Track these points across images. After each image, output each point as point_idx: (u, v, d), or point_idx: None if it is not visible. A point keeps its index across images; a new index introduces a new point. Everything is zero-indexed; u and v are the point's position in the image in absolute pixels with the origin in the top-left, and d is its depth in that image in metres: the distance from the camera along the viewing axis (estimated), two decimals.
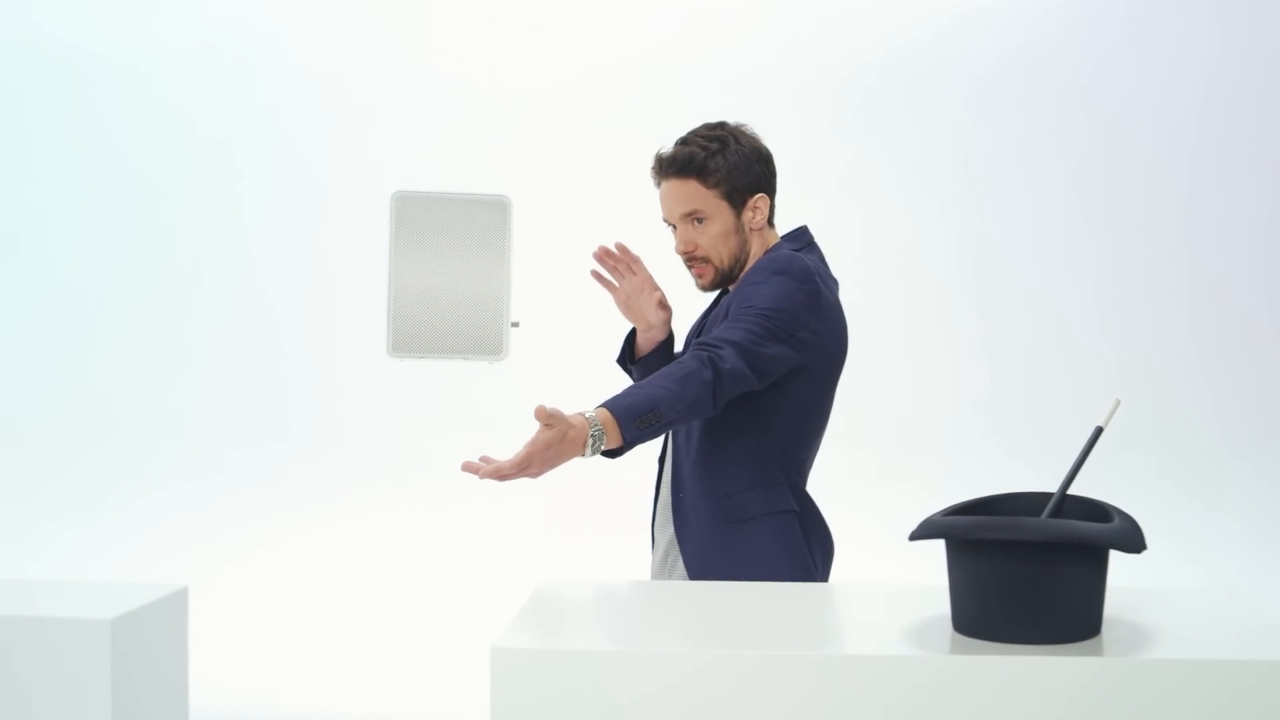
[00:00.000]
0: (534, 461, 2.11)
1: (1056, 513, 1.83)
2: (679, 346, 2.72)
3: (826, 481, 2.71)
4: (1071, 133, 5.76)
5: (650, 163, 2.54)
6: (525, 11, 5.88)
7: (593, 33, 5.85)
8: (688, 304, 2.75)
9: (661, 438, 2.54)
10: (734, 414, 2.39)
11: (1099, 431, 1.81)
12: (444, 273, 2.38)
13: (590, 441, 2.16)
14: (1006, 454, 5.53)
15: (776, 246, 2.54)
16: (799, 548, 2.45)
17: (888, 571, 4.08)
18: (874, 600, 2.02)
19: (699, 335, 2.59)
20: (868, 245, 5.68)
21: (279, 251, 5.89)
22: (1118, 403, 1.84)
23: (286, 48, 5.96)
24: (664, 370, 2.29)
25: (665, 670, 1.69)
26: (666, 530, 2.55)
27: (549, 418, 2.11)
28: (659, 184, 2.53)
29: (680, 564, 2.50)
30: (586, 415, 2.16)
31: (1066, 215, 5.78)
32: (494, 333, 2.40)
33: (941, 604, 1.89)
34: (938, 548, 1.83)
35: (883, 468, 5.58)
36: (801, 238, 2.57)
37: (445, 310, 2.38)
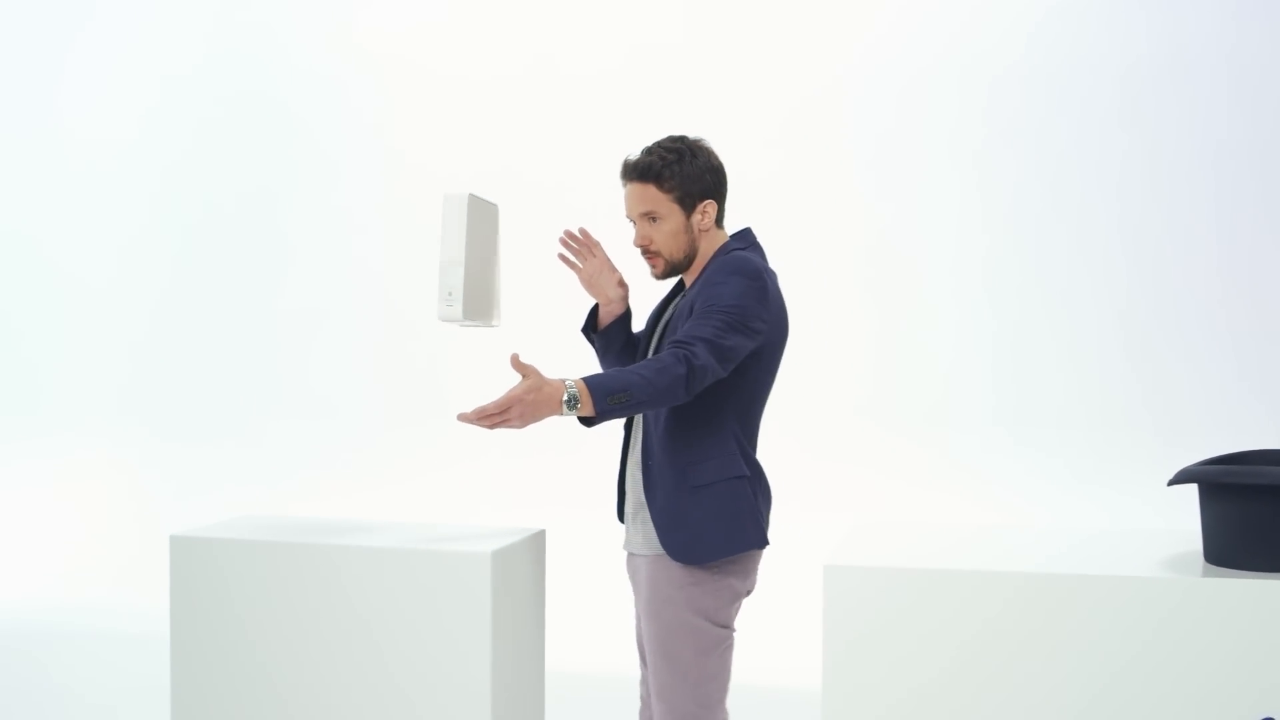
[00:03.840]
0: (514, 407, 2.50)
1: None
2: (639, 326, 3.10)
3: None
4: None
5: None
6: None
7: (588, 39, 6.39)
8: (647, 290, 3.13)
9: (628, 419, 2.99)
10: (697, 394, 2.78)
11: None
12: (475, 258, 2.88)
13: (566, 401, 2.53)
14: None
15: (726, 246, 2.91)
16: (751, 508, 2.82)
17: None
18: (1136, 540, 2.43)
19: (658, 321, 3.01)
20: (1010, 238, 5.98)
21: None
22: None
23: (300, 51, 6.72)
24: (644, 361, 2.67)
25: (976, 586, 2.14)
26: (636, 492, 2.90)
27: (524, 368, 2.56)
28: (624, 185, 2.91)
29: (648, 521, 2.86)
30: (565, 380, 2.56)
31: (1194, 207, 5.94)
32: (492, 305, 2.95)
33: (1191, 543, 2.30)
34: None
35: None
36: (746, 238, 2.94)
37: (475, 286, 2.89)
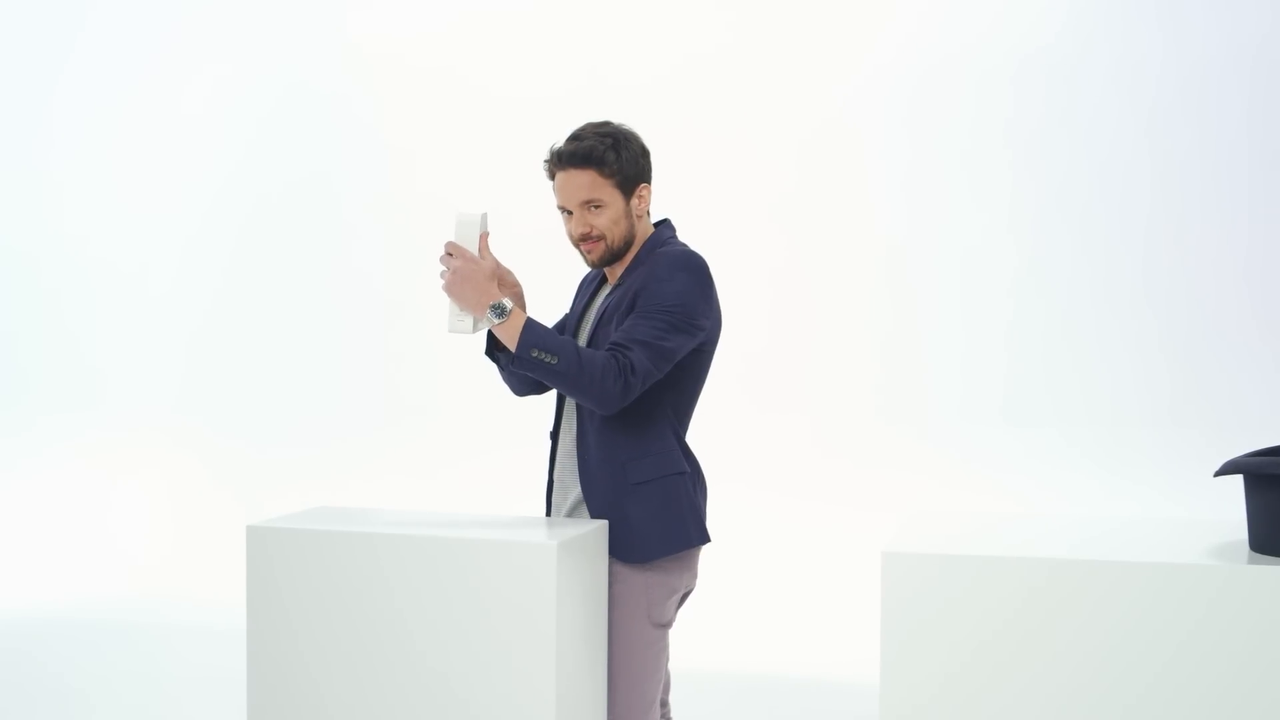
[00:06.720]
0: (460, 261, 2.66)
1: None
2: (551, 318, 3.07)
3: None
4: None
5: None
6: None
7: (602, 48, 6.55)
8: (558, 286, 3.25)
9: (556, 412, 3.02)
10: None
11: None
12: None
13: (494, 306, 2.64)
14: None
15: (659, 236, 2.91)
16: (692, 504, 2.87)
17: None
18: (1181, 529, 2.53)
19: (584, 313, 3.02)
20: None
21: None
22: None
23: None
24: (590, 350, 2.69)
25: (1033, 572, 2.24)
26: (573, 491, 2.95)
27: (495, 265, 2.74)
28: (554, 175, 2.85)
29: (585, 512, 2.91)
30: (508, 300, 2.67)
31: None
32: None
33: (1233, 533, 2.40)
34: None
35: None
36: (670, 226, 2.96)
37: None
